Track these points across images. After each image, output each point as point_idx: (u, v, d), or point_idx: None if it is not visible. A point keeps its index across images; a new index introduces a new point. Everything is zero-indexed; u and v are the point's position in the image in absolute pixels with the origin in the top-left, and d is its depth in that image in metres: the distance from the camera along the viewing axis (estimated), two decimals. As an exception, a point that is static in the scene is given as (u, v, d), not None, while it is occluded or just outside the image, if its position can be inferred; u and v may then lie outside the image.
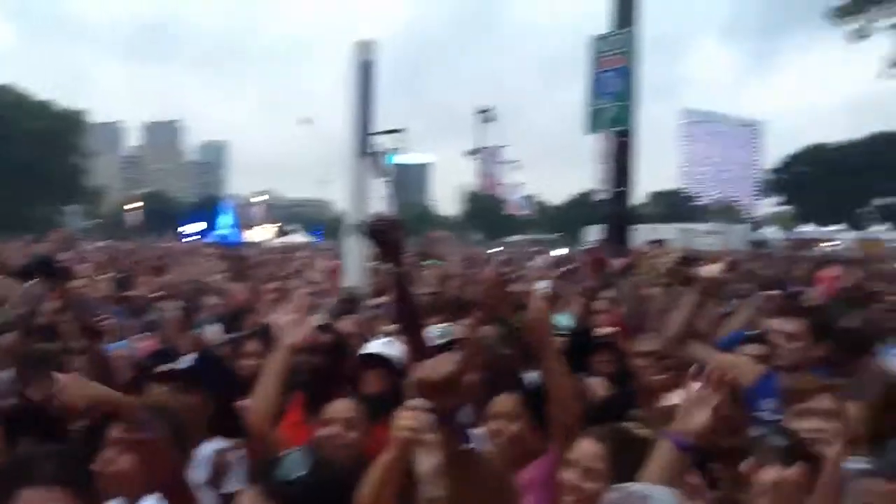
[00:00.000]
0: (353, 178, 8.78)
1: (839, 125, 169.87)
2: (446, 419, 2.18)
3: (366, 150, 8.78)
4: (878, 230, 41.16)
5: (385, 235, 3.13)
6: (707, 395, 2.14)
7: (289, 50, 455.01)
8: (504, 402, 3.13)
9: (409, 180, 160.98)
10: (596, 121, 10.89)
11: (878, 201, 68.73)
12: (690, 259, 5.27)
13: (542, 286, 8.98)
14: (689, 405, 2.13)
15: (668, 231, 31.91)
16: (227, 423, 3.06)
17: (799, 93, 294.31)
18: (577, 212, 72.16)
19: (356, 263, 8.23)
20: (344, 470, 2.49)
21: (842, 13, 20.45)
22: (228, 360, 4.36)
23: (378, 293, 6.60)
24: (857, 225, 48.76)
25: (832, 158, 72.94)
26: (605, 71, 10.83)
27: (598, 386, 4.16)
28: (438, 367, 2.22)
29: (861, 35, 20.28)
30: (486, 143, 38.83)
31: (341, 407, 3.09)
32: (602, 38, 11.22)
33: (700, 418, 2.08)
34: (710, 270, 3.97)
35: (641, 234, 14.30)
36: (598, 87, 10.89)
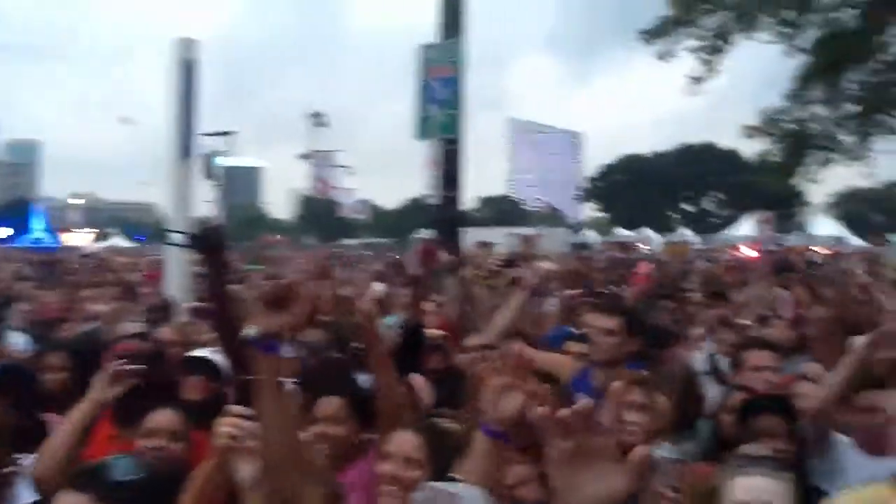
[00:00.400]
0: (176, 180, 8.40)
1: (651, 137, 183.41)
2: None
3: (190, 151, 8.42)
4: (684, 234, 44.70)
5: (207, 241, 3.04)
6: (512, 383, 2.04)
7: (110, 48, 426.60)
8: (329, 404, 3.12)
9: (241, 184, 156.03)
10: (425, 128, 11.06)
11: (683, 206, 75.10)
12: (513, 261, 5.52)
13: (376, 289, 9.05)
14: (496, 393, 2.01)
15: (497, 235, 32.96)
16: (31, 437, 2.85)
17: (616, 106, 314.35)
18: (410, 216, 73.05)
19: (178, 269, 7.88)
20: (174, 472, 2.41)
21: (650, 35, 21.99)
22: (34, 371, 4.04)
23: (200, 300, 6.38)
24: (664, 229, 52.78)
25: (644, 168, 78.67)
26: (434, 79, 11.04)
27: (423, 386, 4.22)
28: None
29: (667, 55, 21.89)
30: (320, 148, 38.37)
31: (163, 418, 2.97)
32: (430, 47, 11.43)
33: (508, 405, 1.98)
34: (532, 272, 4.18)
35: (471, 238, 14.70)
36: (427, 95, 11.07)
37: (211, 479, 2.10)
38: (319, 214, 72.13)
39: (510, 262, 5.28)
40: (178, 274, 7.88)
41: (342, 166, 38.46)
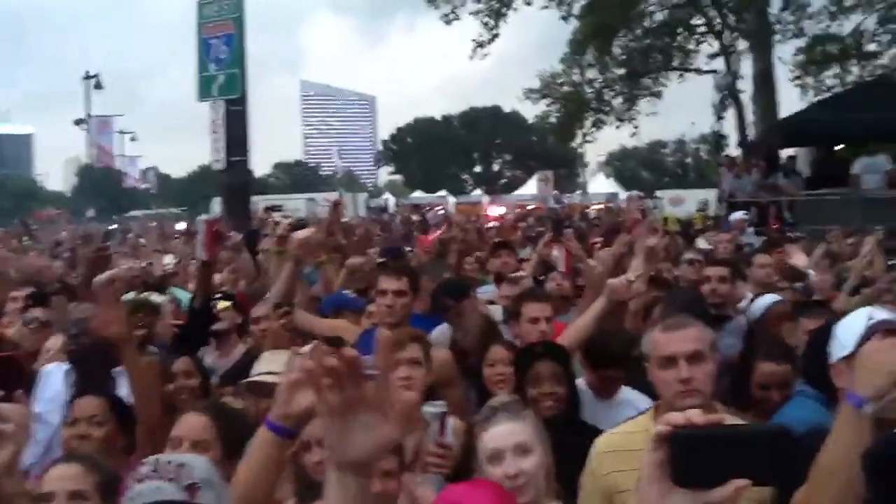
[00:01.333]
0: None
1: (440, 100, 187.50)
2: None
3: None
4: (476, 195, 46.47)
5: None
6: (308, 378, 1.94)
7: None
8: (87, 405, 2.96)
9: (8, 153, 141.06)
10: (205, 88, 10.54)
11: (475, 169, 78.07)
12: (301, 227, 5.39)
13: (167, 260, 8.54)
14: (289, 388, 1.89)
15: (294, 201, 32.41)
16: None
17: (407, 69, 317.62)
18: (201, 184, 69.68)
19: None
20: None
21: (433, -3, 22.30)
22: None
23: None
24: (458, 191, 54.59)
25: (434, 131, 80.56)
26: (212, 38, 10.51)
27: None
28: None
29: (451, 19, 22.34)
30: (97, 113, 35.38)
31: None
32: (207, 4, 10.84)
33: (300, 402, 1.85)
34: (301, 235, 4.09)
35: (264, 204, 14.30)
36: (206, 54, 10.53)
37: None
38: (100, 185, 66.88)
39: (298, 227, 5.14)
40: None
41: (125, 132, 35.82)
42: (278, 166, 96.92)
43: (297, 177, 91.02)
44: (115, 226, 26.90)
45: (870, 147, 13.06)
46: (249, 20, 10.73)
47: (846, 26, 20.94)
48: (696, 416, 1.03)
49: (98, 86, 38.76)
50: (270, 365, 2.98)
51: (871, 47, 21.05)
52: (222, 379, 4.15)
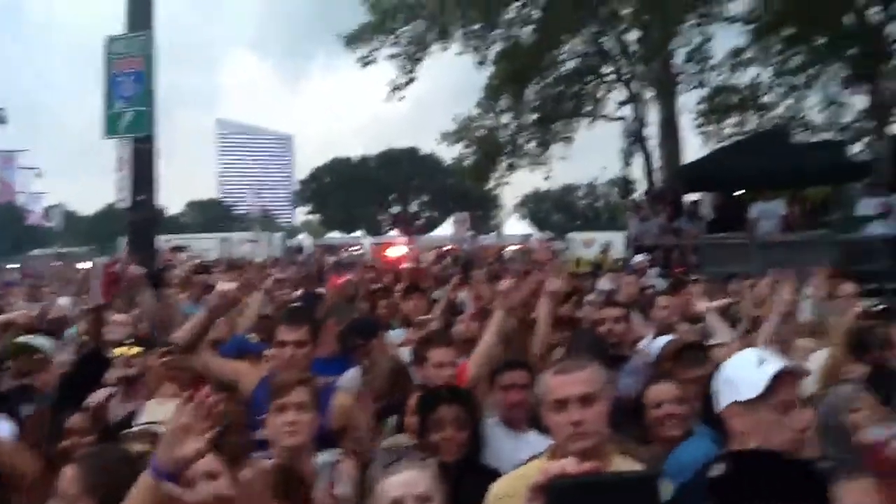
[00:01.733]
0: None
1: (357, 140, 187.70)
2: None
3: None
4: (392, 235, 46.50)
5: None
6: (194, 424, 1.96)
7: None
8: None
9: None
10: (112, 125, 10.22)
11: (392, 209, 78.26)
12: (206, 267, 5.29)
13: (62, 304, 8.20)
14: (176, 432, 1.93)
15: (207, 241, 31.64)
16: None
17: (325, 109, 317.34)
18: (108, 222, 67.40)
19: None
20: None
21: (350, 40, 22.52)
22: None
23: None
24: (374, 231, 54.55)
25: (351, 171, 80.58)
26: (121, 74, 10.24)
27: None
28: None
29: (367, 62, 22.59)
30: (1, 148, 33.98)
31: None
32: (117, 40, 10.57)
33: (188, 448, 1.90)
34: (224, 284, 4.02)
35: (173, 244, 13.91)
36: (115, 91, 10.25)
37: None
38: (2, 222, 63.78)
39: (204, 268, 5.04)
40: None
41: (29, 168, 34.38)
42: (192, 205, 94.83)
43: (212, 216, 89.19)
44: (16, 265, 25.72)
45: (766, 193, 13.73)
46: (164, 56, 10.49)
47: (745, 78, 22.25)
48: (572, 465, 1.05)
49: (2, 120, 37.16)
50: (155, 414, 2.90)
51: (767, 99, 22.38)
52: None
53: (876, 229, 12.12)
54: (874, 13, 19.00)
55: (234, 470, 2.63)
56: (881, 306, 5.89)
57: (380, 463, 2.49)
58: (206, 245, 28.21)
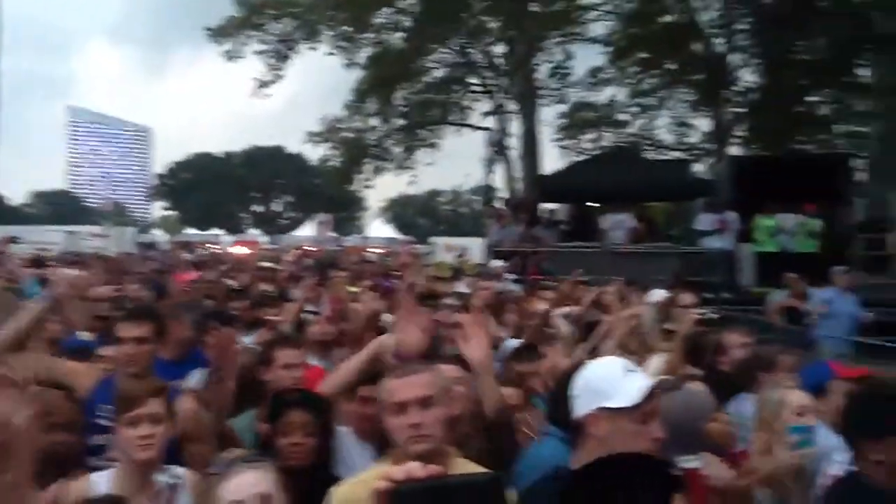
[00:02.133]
0: None
1: (221, 136, 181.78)
2: None
3: None
4: (254, 233, 45.38)
5: None
6: None
7: None
8: None
9: None
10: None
11: (253, 208, 76.25)
12: (41, 261, 4.94)
13: None
14: None
15: (53, 234, 29.60)
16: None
17: (186, 103, 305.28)
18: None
19: None
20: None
21: (216, 33, 21.82)
22: None
23: None
24: (235, 229, 52.97)
25: (214, 167, 77.80)
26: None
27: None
28: None
29: (233, 56, 21.95)
30: None
31: None
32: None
33: None
34: (63, 276, 3.75)
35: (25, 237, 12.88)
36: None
37: None
38: None
39: (38, 261, 4.69)
40: None
41: None
42: (38, 195, 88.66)
43: (60, 207, 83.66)
44: None
45: (616, 205, 14.61)
46: (12, 41, 9.76)
47: (602, 97, 23.39)
48: (416, 469, 1.05)
49: None
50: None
51: (622, 117, 23.62)
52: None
53: (713, 243, 13.04)
54: (719, 44, 20.53)
55: (58, 474, 2.47)
56: (715, 315, 6.36)
57: (219, 467, 2.40)
58: (52, 238, 26.39)
